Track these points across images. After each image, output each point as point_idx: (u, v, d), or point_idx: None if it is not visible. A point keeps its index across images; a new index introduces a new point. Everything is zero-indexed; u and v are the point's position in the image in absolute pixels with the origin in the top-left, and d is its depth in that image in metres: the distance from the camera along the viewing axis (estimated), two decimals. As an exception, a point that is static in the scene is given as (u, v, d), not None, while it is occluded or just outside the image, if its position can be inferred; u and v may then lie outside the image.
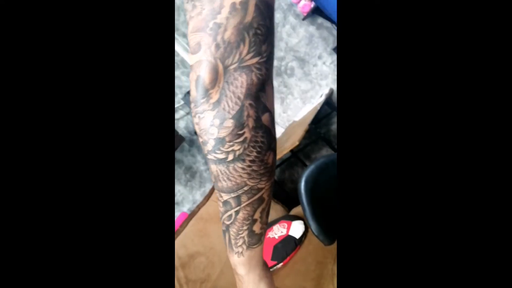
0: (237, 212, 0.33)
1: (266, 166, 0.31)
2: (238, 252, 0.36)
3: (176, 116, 1.85)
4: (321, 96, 1.95)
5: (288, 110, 2.20)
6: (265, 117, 0.30)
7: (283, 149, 1.61)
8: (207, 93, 0.28)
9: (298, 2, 1.69)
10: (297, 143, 1.52)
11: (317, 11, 1.73)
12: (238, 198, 0.32)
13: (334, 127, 2.10)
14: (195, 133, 1.82)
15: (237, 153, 0.29)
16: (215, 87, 0.28)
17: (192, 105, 0.30)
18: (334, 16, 0.40)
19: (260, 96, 0.29)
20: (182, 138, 1.69)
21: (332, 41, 1.85)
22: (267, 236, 1.36)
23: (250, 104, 0.28)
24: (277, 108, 2.20)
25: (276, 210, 1.65)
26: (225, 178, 0.31)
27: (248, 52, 0.27)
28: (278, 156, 1.65)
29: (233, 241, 0.35)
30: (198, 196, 1.73)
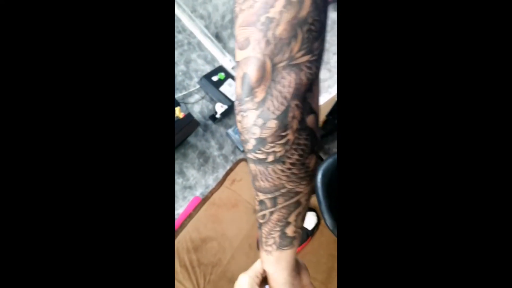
0: (271, 213, 0.32)
1: (307, 170, 0.30)
2: (267, 250, 0.36)
3: (191, 100, 1.85)
4: (339, 86, 1.91)
5: (304, 99, 2.17)
6: (310, 119, 0.28)
7: (298, 139, 1.60)
8: (252, 92, 0.27)
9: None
10: (313, 134, 1.51)
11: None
12: (274, 199, 0.31)
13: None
14: (210, 117, 1.81)
15: (278, 154, 0.29)
16: (261, 85, 0.27)
17: (236, 102, 0.29)
18: None
19: (307, 96, 0.27)
20: (197, 123, 1.69)
21: (355, 29, 1.80)
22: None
23: (296, 105, 0.27)
24: (293, 96, 2.17)
25: (288, 199, 1.66)
26: (263, 179, 0.30)
27: (300, 50, 0.25)
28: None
29: (263, 239, 0.35)
30: (211, 181, 1.75)
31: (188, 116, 1.69)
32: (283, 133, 0.28)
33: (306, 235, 1.30)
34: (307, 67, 0.26)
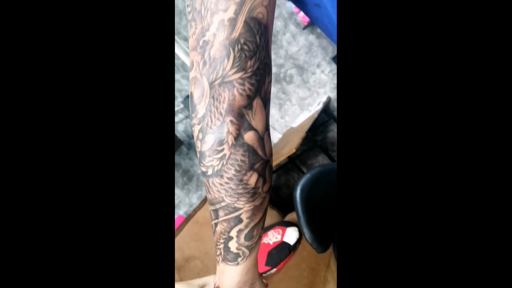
0: (215, 225, 0.33)
1: (245, 186, 0.30)
2: (217, 260, 0.36)
3: (176, 119, 1.87)
4: (318, 104, 1.98)
5: (286, 116, 2.23)
6: (248, 135, 0.29)
7: (280, 156, 1.64)
8: (195, 108, 0.29)
9: (299, 12, 1.72)
10: (294, 150, 1.55)
11: (317, 21, 1.76)
12: (216, 211, 0.32)
13: (330, 134, 2.13)
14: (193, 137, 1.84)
15: (216, 168, 0.30)
16: (202, 102, 0.29)
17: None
18: (326, 32, 0.40)
19: (245, 113, 0.29)
20: (180, 142, 1.71)
21: (331, 51, 1.89)
22: (262, 241, 1.39)
23: (231, 121, 0.28)
24: (275, 114, 2.22)
25: (271, 215, 1.67)
26: (207, 191, 0.32)
27: (232, 67, 0.27)
28: (275, 162, 1.67)
29: (215, 247, 0.36)
30: (195, 200, 1.75)
31: (172, 135, 1.72)
32: (219, 148, 0.29)
33: (288, 250, 1.32)
34: (239, 83, 0.28)
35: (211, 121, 0.29)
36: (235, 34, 0.27)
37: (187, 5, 0.30)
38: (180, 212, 1.72)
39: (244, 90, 0.28)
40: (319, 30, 1.85)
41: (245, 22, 0.27)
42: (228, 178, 0.30)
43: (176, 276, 1.32)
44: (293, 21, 1.89)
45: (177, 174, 1.79)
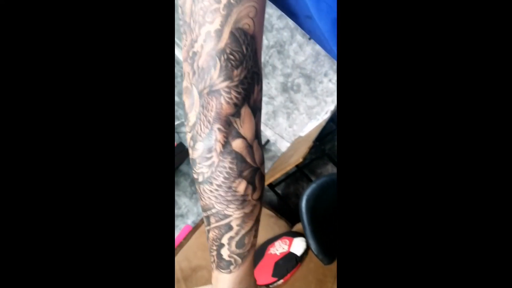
0: (208, 231, 0.34)
1: (234, 193, 0.31)
2: (211, 267, 0.36)
3: (183, 129, 1.90)
4: (326, 112, 1.98)
5: (294, 125, 2.23)
6: (236, 143, 0.30)
7: (287, 165, 1.63)
8: (187, 117, 0.30)
9: (305, 22, 1.74)
10: (301, 160, 1.54)
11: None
12: (208, 218, 0.33)
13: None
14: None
15: (206, 175, 0.30)
16: (192, 111, 0.30)
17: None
18: (320, 43, 0.40)
19: (233, 121, 0.29)
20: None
21: (338, 60, 1.89)
22: (269, 252, 1.37)
23: (218, 129, 0.29)
24: (283, 123, 2.23)
25: (279, 225, 1.66)
26: (200, 197, 0.32)
27: (219, 76, 0.28)
28: (283, 171, 1.67)
29: (209, 254, 0.36)
30: (203, 209, 1.75)
31: (180, 145, 1.74)
32: (208, 155, 0.29)
33: (295, 261, 1.30)
34: (226, 92, 0.28)
35: (201, 129, 0.29)
36: (221, 44, 0.28)
37: (180, 19, 0.31)
38: (188, 221, 1.73)
39: (230, 98, 0.29)
40: (325, 40, 1.85)
41: (231, 32, 0.28)
42: (217, 185, 0.30)
43: (183, 286, 1.32)
44: (300, 31, 1.91)
45: (185, 184, 1.81)
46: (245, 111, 0.30)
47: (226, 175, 0.30)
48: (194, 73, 0.29)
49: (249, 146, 0.31)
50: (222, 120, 0.29)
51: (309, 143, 1.65)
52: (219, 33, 0.28)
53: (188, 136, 0.31)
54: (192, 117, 0.30)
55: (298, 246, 1.34)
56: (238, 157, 0.30)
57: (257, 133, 0.32)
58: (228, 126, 0.29)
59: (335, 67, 1.93)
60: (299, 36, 1.93)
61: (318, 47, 1.92)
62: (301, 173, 2.17)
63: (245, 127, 0.30)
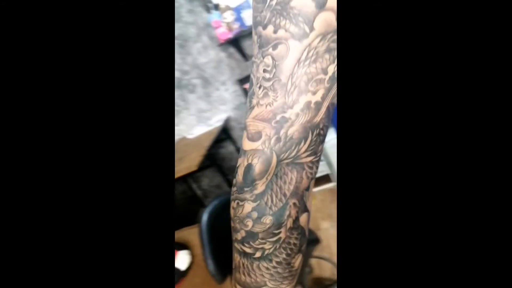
0: None
1: (291, 269, 0.30)
2: None
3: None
4: (218, 121, 2.00)
5: (181, 124, 2.13)
6: (303, 217, 0.29)
7: (178, 170, 1.55)
8: (253, 183, 0.27)
9: (218, 27, 1.70)
10: (194, 168, 1.50)
11: (234, 43, 1.78)
12: None
13: (223, 150, 2.18)
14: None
15: (266, 252, 0.28)
16: (263, 178, 0.27)
17: (234, 189, 0.28)
18: None
19: (304, 195, 0.28)
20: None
21: (239, 73, 1.95)
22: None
23: (294, 204, 0.27)
24: (170, 120, 2.09)
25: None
26: (246, 273, 0.29)
27: (306, 150, 0.27)
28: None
29: None
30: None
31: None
32: (276, 231, 0.27)
33: (179, 276, 1.25)
34: (309, 166, 0.27)
35: (272, 201, 0.27)
36: (318, 118, 0.26)
37: (265, 69, 0.27)
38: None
39: (311, 173, 0.28)
40: (232, 50, 1.87)
41: (327, 107, 0.27)
42: (277, 262, 0.29)
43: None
44: (207, 32, 1.85)
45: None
46: (312, 184, 0.29)
47: (289, 252, 0.29)
48: (278, 139, 0.26)
49: (309, 220, 0.30)
50: (299, 195, 0.28)
51: (202, 151, 1.62)
52: (319, 106, 0.26)
53: (250, 205, 0.27)
54: (261, 186, 0.27)
55: (182, 260, 1.29)
56: (302, 232, 0.29)
57: None
58: (301, 201, 0.28)
59: (233, 79, 1.98)
60: (206, 38, 1.87)
61: (222, 55, 1.91)
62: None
63: (309, 200, 0.29)
